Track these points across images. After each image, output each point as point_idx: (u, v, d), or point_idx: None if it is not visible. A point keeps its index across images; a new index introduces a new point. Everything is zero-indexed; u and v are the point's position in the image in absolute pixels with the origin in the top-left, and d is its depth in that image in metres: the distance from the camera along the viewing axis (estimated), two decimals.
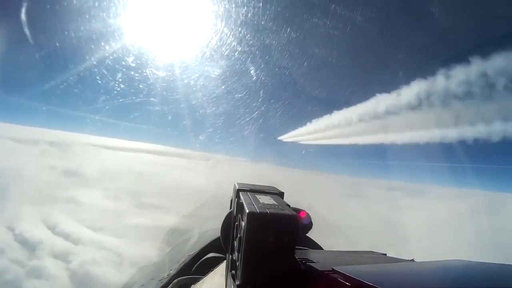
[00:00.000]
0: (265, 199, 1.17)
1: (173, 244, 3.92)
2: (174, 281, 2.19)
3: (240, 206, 1.14)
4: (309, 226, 1.48)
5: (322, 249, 2.12)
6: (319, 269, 0.90)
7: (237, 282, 1.01)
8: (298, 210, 1.23)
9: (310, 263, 0.98)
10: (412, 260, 1.31)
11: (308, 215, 1.42)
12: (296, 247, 1.01)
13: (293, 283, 0.96)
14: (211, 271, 1.99)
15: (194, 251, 2.67)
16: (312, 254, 1.14)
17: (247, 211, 0.97)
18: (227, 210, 1.43)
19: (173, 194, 24.73)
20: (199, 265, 2.42)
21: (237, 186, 1.34)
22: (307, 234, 1.72)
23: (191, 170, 33.95)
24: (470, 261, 1.15)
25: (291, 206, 1.15)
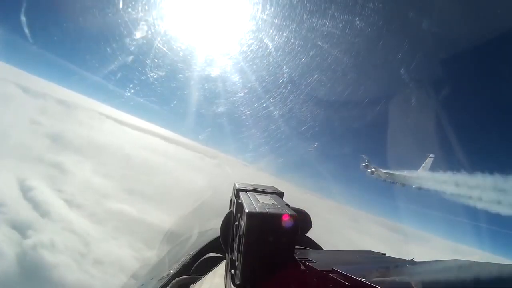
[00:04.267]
0: (265, 199, 1.17)
1: (173, 243, 3.91)
2: (173, 281, 2.19)
3: (239, 206, 1.14)
4: (308, 226, 1.48)
5: (321, 248, 2.12)
6: (319, 269, 0.90)
7: (237, 282, 1.01)
8: (297, 210, 1.23)
9: (309, 263, 0.97)
10: (412, 260, 1.31)
11: (307, 215, 1.42)
12: (296, 246, 1.01)
13: (293, 283, 0.96)
14: (211, 270, 1.99)
15: (193, 250, 2.67)
16: (312, 254, 1.13)
17: (247, 210, 0.97)
18: (226, 210, 1.43)
19: (168, 187, 22.71)
20: (198, 264, 2.43)
21: (236, 186, 1.34)
22: (307, 234, 1.72)
23: (195, 165, 31.51)
24: (469, 261, 1.15)
25: (290, 206, 1.15)
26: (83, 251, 15.21)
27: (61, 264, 13.92)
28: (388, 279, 0.92)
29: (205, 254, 2.52)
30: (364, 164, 18.72)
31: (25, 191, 17.92)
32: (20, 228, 15.27)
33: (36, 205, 17.23)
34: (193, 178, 24.69)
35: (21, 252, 14.04)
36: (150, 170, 26.83)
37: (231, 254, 1.24)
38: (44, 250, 14.29)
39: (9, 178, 18.19)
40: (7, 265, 13.19)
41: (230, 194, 1.46)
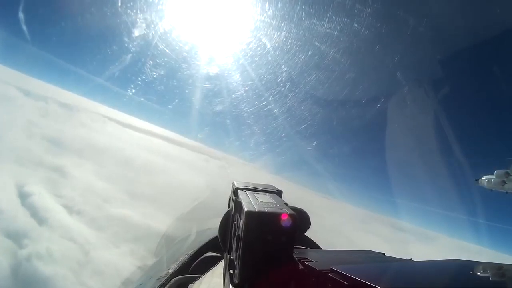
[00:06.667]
0: (264, 198, 1.17)
1: (172, 243, 3.91)
2: (172, 280, 2.19)
3: (238, 205, 1.14)
4: (307, 225, 1.47)
5: (320, 248, 2.11)
6: (318, 268, 0.90)
7: (235, 281, 1.01)
8: (296, 209, 1.23)
9: (308, 262, 0.97)
10: (411, 259, 1.31)
11: (306, 214, 1.41)
12: (294, 246, 1.01)
13: (291, 282, 0.96)
14: (209, 270, 1.99)
15: (192, 250, 2.67)
16: (311, 253, 1.13)
17: (246, 209, 0.96)
18: (225, 209, 1.43)
19: (172, 189, 22.12)
20: (197, 264, 2.43)
21: (235, 185, 1.34)
22: (305, 233, 1.72)
23: (198, 166, 31.49)
24: (469, 260, 1.15)
25: (289, 205, 1.14)
26: (82, 261, 14.57)
27: (58, 275, 13.20)
28: (386, 278, 0.92)
29: (204, 254, 2.52)
30: (502, 172, 14.21)
31: (24, 197, 17.24)
32: (16, 237, 14.51)
33: (34, 212, 16.48)
34: (195, 180, 24.35)
35: (16, 263, 13.28)
36: (153, 173, 26.54)
37: (229, 254, 1.24)
38: (40, 261, 13.52)
39: (7, 183, 17.56)
40: (0, 277, 12.47)
41: (229, 193, 1.45)
